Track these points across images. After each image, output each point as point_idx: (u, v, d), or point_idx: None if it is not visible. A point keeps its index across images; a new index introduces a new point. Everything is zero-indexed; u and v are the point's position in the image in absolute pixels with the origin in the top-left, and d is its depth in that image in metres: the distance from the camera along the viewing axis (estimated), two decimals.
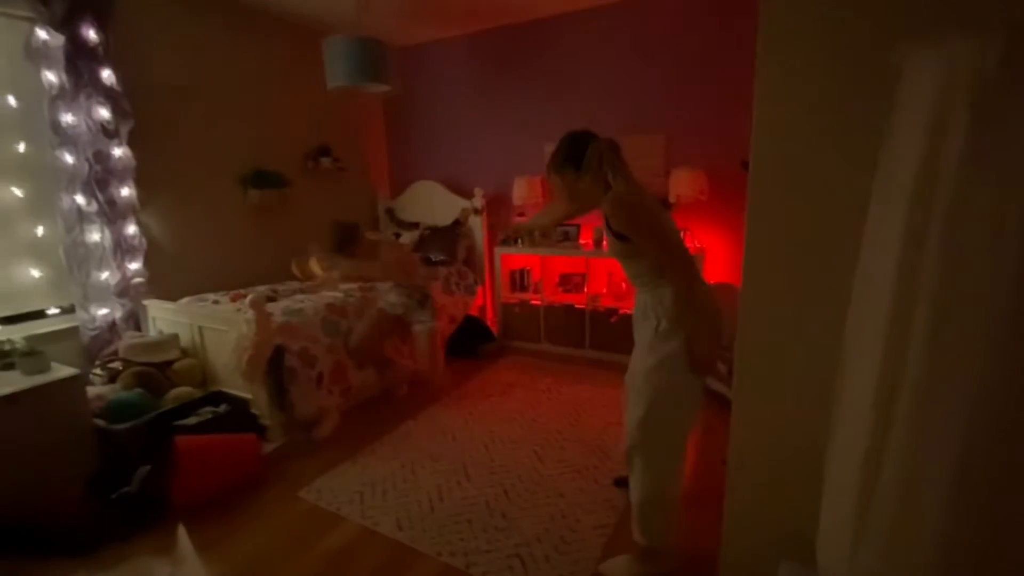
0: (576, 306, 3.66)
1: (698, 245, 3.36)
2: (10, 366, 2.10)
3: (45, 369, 2.10)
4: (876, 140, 0.93)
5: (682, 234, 1.60)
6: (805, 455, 1.28)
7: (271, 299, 2.88)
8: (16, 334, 2.37)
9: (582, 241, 3.73)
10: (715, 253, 3.44)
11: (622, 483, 2.07)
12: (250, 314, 2.31)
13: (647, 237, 1.49)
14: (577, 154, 1.56)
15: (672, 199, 3.24)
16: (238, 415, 2.41)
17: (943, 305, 0.77)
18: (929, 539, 0.80)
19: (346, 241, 2.93)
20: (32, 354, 2.10)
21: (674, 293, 1.49)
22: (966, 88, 0.74)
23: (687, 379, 1.53)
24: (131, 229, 2.76)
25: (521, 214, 3.96)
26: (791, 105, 1.20)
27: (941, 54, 0.78)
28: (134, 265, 2.79)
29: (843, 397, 0.99)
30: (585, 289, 3.71)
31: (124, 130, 2.69)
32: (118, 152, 2.68)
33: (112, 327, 2.74)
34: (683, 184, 3.17)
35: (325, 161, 3.96)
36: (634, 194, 1.52)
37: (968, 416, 0.76)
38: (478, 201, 4.07)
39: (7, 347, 2.17)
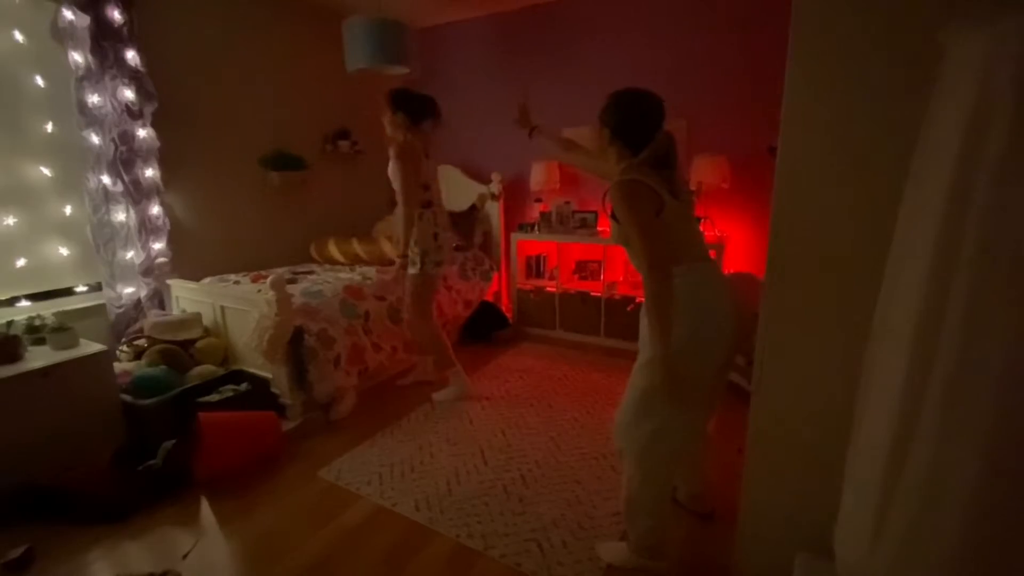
0: (592, 294, 3.64)
1: (719, 234, 3.31)
2: (41, 341, 2.16)
3: (74, 345, 2.16)
4: (914, 123, 0.90)
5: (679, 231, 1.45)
6: (825, 445, 1.27)
7: (291, 281, 2.91)
8: (46, 310, 2.44)
9: (600, 228, 3.70)
10: (736, 242, 3.39)
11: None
12: (271, 295, 2.34)
13: (630, 232, 1.37)
14: (632, 127, 1.46)
15: (693, 187, 3.18)
16: (258, 394, 2.45)
17: (979, 298, 0.75)
18: (952, 533, 0.79)
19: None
20: (62, 330, 2.16)
21: (646, 299, 1.37)
22: (1013, 68, 0.71)
23: (687, 369, 1.40)
24: (155, 209, 2.80)
25: (538, 199, 3.93)
26: (824, 88, 1.17)
27: (988, 33, 0.75)
28: (158, 245, 2.84)
29: (870, 388, 0.97)
30: (602, 277, 3.69)
31: (148, 111, 2.72)
32: (142, 133, 2.71)
33: (137, 305, 2.80)
34: (705, 171, 3.12)
35: (344, 144, 3.96)
36: (638, 182, 1.39)
37: (998, 411, 0.74)
38: (495, 186, 4.05)
39: (38, 323, 2.23)
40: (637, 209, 1.36)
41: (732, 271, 3.24)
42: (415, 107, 2.56)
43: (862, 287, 1.15)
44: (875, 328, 0.97)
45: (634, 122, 1.47)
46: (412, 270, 2.64)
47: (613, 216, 1.45)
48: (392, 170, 2.48)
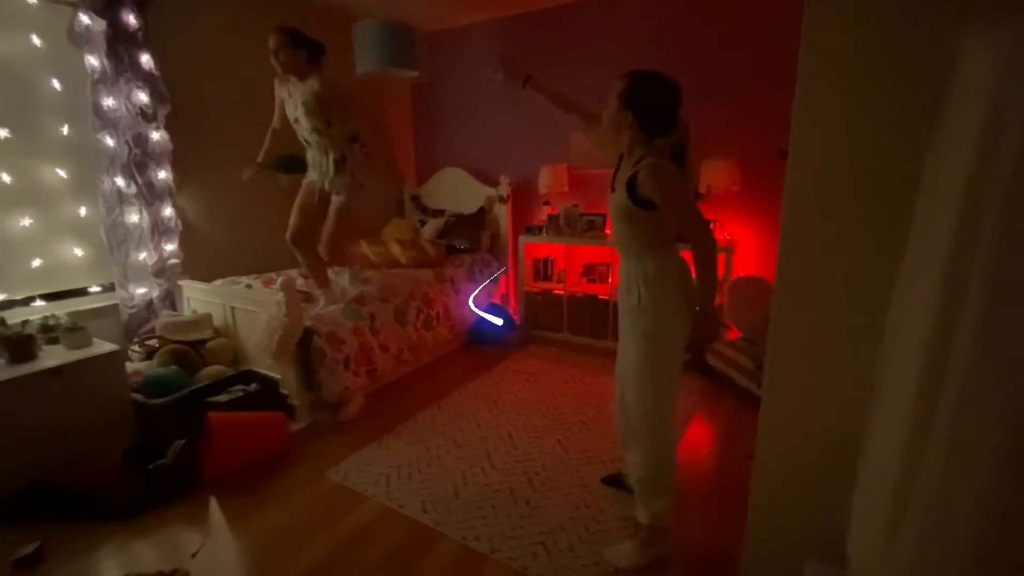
0: (600, 297, 3.63)
1: (728, 237, 3.30)
2: (55, 340, 2.19)
3: (87, 344, 2.19)
4: (928, 127, 0.89)
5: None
6: (834, 450, 1.26)
7: (307, 298, 2.86)
8: (60, 310, 2.47)
9: (608, 231, 3.69)
10: (746, 245, 3.37)
11: (611, 482, 2.06)
12: (280, 296, 2.36)
13: (681, 208, 1.48)
14: (655, 113, 1.51)
15: (703, 190, 3.17)
16: (267, 394, 2.47)
17: (994, 303, 0.74)
18: (967, 537, 0.78)
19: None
20: (75, 329, 2.18)
21: (702, 255, 1.50)
22: None
23: (673, 348, 1.60)
24: (167, 211, 2.84)
25: (546, 202, 3.93)
26: (836, 91, 1.16)
27: (1000, 37, 0.74)
28: (170, 246, 2.88)
29: (883, 389, 0.96)
30: (609, 280, 3.68)
31: (162, 114, 2.75)
32: (156, 136, 2.74)
33: (149, 306, 2.83)
34: (715, 174, 3.11)
35: (355, 147, 3.98)
36: (671, 165, 1.49)
37: (1012, 414, 0.73)
38: (503, 189, 4.06)
39: (52, 322, 2.26)
40: (681, 185, 1.48)
41: (742, 275, 3.22)
42: (314, 48, 2.57)
43: (874, 291, 1.14)
44: (887, 333, 0.96)
45: (657, 108, 1.52)
46: (341, 197, 2.71)
47: (632, 191, 1.50)
48: (311, 103, 2.52)
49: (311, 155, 2.70)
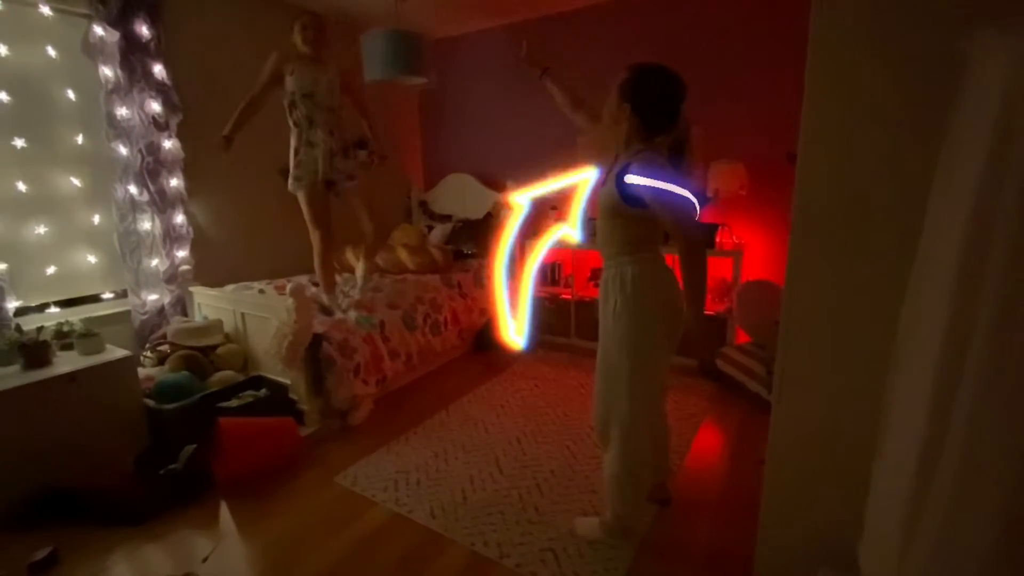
0: None
1: (736, 241, 3.28)
2: (69, 346, 2.22)
3: (100, 350, 2.22)
4: (938, 132, 0.88)
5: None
6: (846, 456, 1.24)
7: (324, 310, 2.85)
8: (74, 316, 2.51)
9: None
10: (754, 249, 3.35)
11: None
12: (290, 302, 2.37)
13: (667, 203, 1.42)
14: (655, 109, 1.50)
15: (710, 193, 3.16)
16: (277, 399, 2.49)
17: (1008, 305, 0.73)
18: (985, 545, 0.77)
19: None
20: (89, 335, 2.21)
21: (686, 256, 1.46)
22: None
23: (648, 356, 1.57)
24: (179, 218, 2.88)
25: (554, 207, 3.94)
26: (845, 94, 1.16)
27: (1011, 43, 0.73)
28: (181, 253, 2.91)
29: (895, 399, 0.95)
30: None
31: (174, 123, 2.80)
32: (168, 144, 2.79)
33: (161, 312, 2.87)
34: (722, 178, 3.09)
35: (361, 154, 4.01)
36: (664, 163, 1.47)
37: None
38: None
39: (66, 328, 2.29)
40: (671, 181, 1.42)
41: (751, 279, 3.20)
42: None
43: (885, 294, 1.13)
44: (900, 338, 0.95)
45: (658, 103, 1.49)
46: (354, 183, 2.85)
47: (622, 185, 1.46)
48: None
49: (318, 136, 2.64)
